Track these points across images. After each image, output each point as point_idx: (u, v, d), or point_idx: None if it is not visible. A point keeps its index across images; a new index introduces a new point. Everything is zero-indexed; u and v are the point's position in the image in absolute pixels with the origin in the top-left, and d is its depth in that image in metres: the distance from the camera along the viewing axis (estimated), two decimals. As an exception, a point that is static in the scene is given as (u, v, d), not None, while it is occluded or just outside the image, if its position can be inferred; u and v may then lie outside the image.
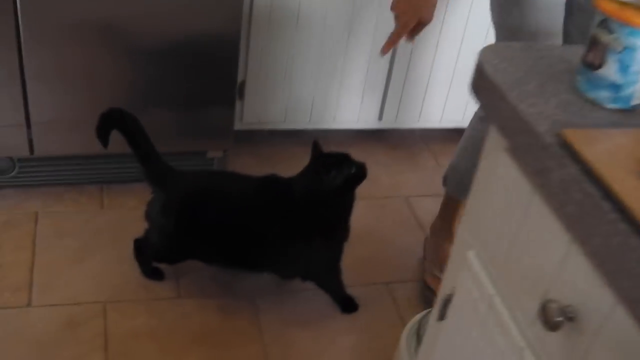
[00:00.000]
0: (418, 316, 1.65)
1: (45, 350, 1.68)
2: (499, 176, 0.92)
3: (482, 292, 0.98)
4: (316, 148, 1.81)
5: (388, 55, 2.33)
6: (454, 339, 1.10)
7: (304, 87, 2.32)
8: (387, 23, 2.32)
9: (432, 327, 1.17)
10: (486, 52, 0.93)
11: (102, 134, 1.76)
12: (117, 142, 2.01)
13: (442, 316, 1.10)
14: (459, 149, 1.94)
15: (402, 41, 1.61)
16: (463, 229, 1.05)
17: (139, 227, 1.87)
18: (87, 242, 1.98)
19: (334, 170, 1.72)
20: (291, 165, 2.40)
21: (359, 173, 1.78)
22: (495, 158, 0.93)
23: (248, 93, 2.26)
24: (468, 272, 1.02)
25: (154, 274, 1.90)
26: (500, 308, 0.95)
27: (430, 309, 1.65)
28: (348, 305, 1.91)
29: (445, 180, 2.01)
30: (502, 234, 0.92)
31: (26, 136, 1.95)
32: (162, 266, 1.92)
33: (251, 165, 2.36)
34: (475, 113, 1.88)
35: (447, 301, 1.09)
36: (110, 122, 1.76)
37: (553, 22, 1.66)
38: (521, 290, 0.89)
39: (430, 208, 2.33)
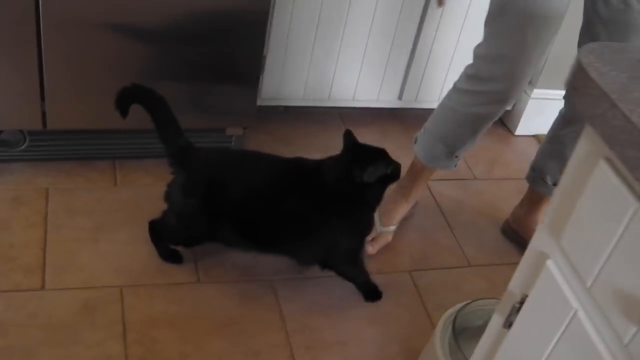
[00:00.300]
0: (455, 308, 1.60)
1: (61, 336, 1.60)
2: (594, 185, 0.86)
3: (563, 304, 0.92)
4: (349, 137, 1.73)
5: (412, 35, 2.26)
6: (521, 348, 1.04)
7: (325, 64, 2.24)
8: (414, 3, 2.26)
9: (494, 333, 1.12)
10: (585, 53, 0.85)
11: (122, 106, 1.67)
12: (130, 117, 1.93)
13: (509, 324, 1.05)
14: (432, 114, 1.93)
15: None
16: (541, 234, 0.98)
17: (154, 206, 1.79)
18: (101, 221, 1.90)
19: (370, 167, 1.65)
20: (308, 143, 2.34)
21: (394, 174, 1.71)
22: (591, 165, 0.86)
23: (267, 68, 2.17)
24: (545, 282, 0.96)
25: (172, 257, 1.83)
26: (586, 324, 0.89)
27: (467, 302, 1.60)
28: (371, 293, 1.86)
29: (415, 140, 1.99)
30: (593, 247, 0.86)
31: (40, 108, 1.85)
32: (180, 249, 1.85)
33: (267, 142, 2.28)
34: (454, 83, 1.85)
35: (516, 309, 1.03)
36: (132, 97, 1.67)
37: (555, 5, 1.61)
38: (615, 309, 0.83)
39: (450, 193, 2.28)
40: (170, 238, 1.82)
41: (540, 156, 2.00)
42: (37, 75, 1.79)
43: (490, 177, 2.38)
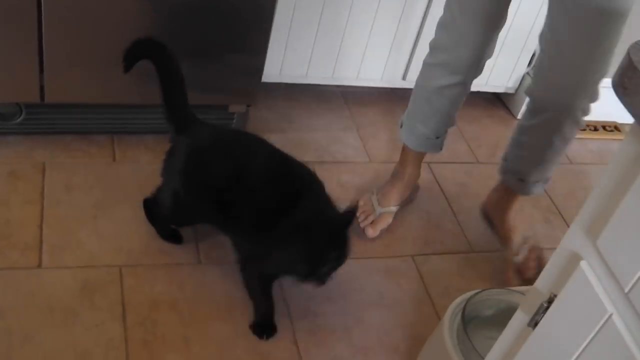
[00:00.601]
0: (464, 296, 1.57)
1: (60, 317, 1.56)
2: (638, 184, 0.82)
3: (597, 307, 0.89)
4: (348, 216, 1.55)
5: (420, 15, 2.21)
6: (547, 348, 1.01)
7: (329, 42, 2.19)
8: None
9: (516, 330, 1.09)
10: (635, 50, 0.81)
11: (130, 58, 1.59)
12: (130, 91, 1.88)
13: (535, 322, 1.02)
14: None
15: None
16: (574, 234, 0.95)
17: (154, 184, 1.75)
18: (99, 198, 1.84)
19: (295, 247, 1.52)
20: (310, 122, 2.30)
21: (303, 276, 1.57)
22: (638, 165, 0.82)
23: (271, 44, 2.10)
24: (578, 283, 0.93)
25: (171, 237, 1.78)
26: (622, 329, 0.86)
27: (477, 291, 1.57)
28: (259, 327, 1.65)
29: (400, 124, 1.97)
30: (635, 251, 0.83)
31: (38, 81, 1.78)
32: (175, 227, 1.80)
33: (269, 120, 2.24)
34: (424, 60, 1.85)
35: (544, 308, 1.00)
36: (143, 51, 1.60)
37: None
38: (656, 317, 0.81)
39: (453, 176, 2.25)
40: (163, 214, 1.75)
41: (510, 147, 1.92)
42: (37, 47, 1.73)
43: (493, 161, 2.34)
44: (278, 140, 2.15)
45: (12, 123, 1.90)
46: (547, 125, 1.75)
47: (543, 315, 1.01)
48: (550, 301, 1.00)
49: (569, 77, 1.63)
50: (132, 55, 1.59)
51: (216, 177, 1.60)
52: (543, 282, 1.03)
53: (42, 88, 1.80)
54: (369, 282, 1.84)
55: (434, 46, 1.78)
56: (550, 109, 1.72)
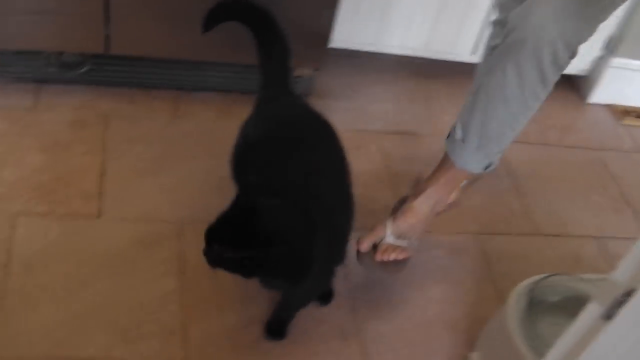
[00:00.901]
0: (531, 280, 1.51)
1: (117, 267, 1.56)
2: None
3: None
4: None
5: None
6: (622, 344, 0.95)
7: (401, 9, 2.12)
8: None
9: (589, 322, 1.02)
10: None
11: (213, 18, 1.53)
12: (196, 47, 1.84)
13: (610, 315, 0.95)
14: None
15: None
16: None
17: (216, 142, 1.72)
18: (160, 153, 1.82)
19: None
20: (374, 91, 2.25)
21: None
22: None
23: (341, 9, 2.05)
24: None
25: None
26: None
27: (545, 276, 1.50)
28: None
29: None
30: None
31: (103, 31, 1.76)
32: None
33: (335, 87, 2.19)
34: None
35: (621, 301, 0.93)
36: (230, 13, 1.54)
37: None
38: None
39: (522, 157, 2.17)
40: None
41: None
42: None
43: (563, 144, 2.27)
44: (343, 108, 2.13)
45: (77, 73, 1.88)
46: (508, 48, 1.44)
47: (619, 309, 0.94)
48: (627, 294, 0.93)
49: (560, 12, 1.40)
50: (218, 16, 1.52)
51: (247, 143, 1.48)
52: (621, 274, 0.95)
53: (107, 39, 1.77)
54: (430, 256, 1.79)
55: (495, 4, 1.76)
56: (519, 28, 1.42)
